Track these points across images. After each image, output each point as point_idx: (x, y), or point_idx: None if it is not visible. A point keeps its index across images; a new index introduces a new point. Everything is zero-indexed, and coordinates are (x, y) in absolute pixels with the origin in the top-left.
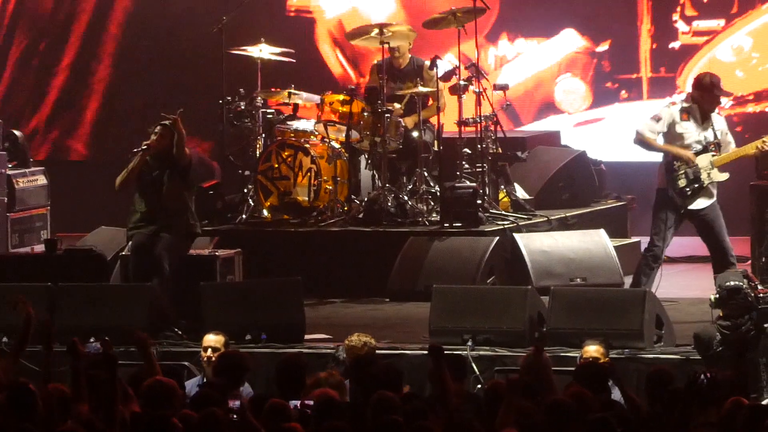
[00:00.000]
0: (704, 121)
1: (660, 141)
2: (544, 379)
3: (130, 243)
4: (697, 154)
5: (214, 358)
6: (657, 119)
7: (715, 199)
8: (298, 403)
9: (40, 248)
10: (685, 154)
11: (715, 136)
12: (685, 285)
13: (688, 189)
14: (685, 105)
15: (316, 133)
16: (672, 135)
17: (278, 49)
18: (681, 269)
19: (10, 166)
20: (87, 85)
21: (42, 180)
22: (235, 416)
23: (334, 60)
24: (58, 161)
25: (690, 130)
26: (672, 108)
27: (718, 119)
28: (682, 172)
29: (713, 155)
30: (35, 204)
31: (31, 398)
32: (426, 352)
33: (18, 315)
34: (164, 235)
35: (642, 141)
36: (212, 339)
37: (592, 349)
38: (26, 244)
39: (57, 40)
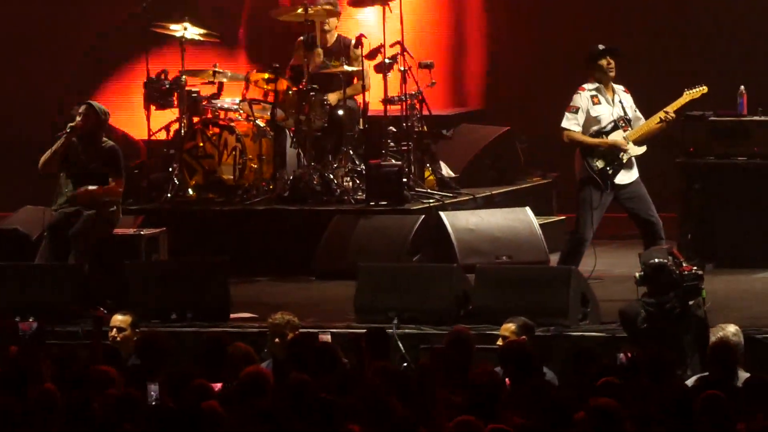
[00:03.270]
0: (612, 99)
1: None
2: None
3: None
4: (609, 132)
5: (119, 338)
6: (575, 110)
7: (637, 174)
8: None
9: None
10: (616, 142)
11: (625, 113)
12: (610, 263)
13: (608, 168)
14: (591, 88)
15: (241, 111)
16: (589, 121)
17: (202, 30)
18: (607, 247)
19: None
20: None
21: None
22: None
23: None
24: None
25: (603, 112)
26: (583, 94)
27: (624, 96)
28: (599, 152)
29: (624, 131)
30: None
31: None
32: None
33: None
34: (83, 215)
35: (572, 140)
36: (119, 319)
37: (504, 327)
38: None
39: None
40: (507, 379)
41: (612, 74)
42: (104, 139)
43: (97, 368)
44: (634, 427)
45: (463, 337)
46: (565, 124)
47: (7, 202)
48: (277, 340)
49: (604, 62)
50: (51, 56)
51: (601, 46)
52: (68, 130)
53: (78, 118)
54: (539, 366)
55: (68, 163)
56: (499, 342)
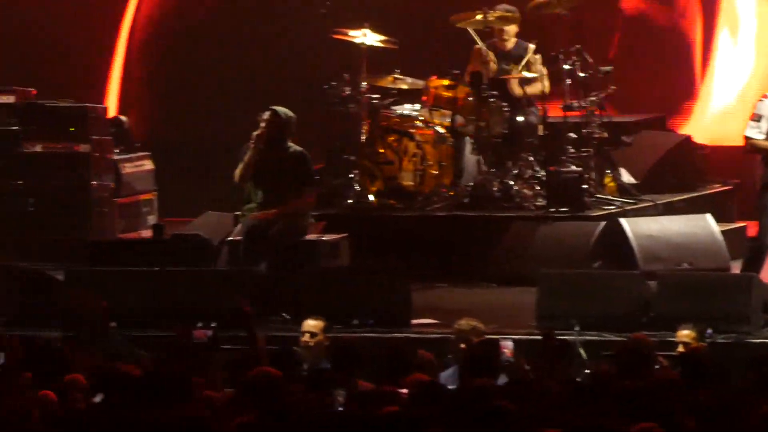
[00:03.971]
0: None
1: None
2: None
3: (239, 226)
4: None
5: (312, 343)
6: (758, 118)
7: None
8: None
9: (147, 233)
10: None
11: None
12: None
13: None
14: None
15: (421, 118)
16: None
17: (382, 37)
18: None
19: (116, 151)
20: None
21: (149, 165)
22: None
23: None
24: (164, 146)
25: None
26: (765, 101)
27: None
28: None
29: None
30: (142, 189)
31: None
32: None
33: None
34: (280, 223)
35: (755, 147)
36: (311, 324)
37: (684, 333)
38: (133, 229)
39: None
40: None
41: None
42: (290, 144)
43: (264, 372)
44: None
45: (642, 345)
46: (748, 132)
47: (188, 207)
48: (462, 345)
49: None
50: (238, 62)
51: None
52: (253, 140)
53: (261, 125)
54: (723, 372)
55: (257, 171)
56: (681, 349)
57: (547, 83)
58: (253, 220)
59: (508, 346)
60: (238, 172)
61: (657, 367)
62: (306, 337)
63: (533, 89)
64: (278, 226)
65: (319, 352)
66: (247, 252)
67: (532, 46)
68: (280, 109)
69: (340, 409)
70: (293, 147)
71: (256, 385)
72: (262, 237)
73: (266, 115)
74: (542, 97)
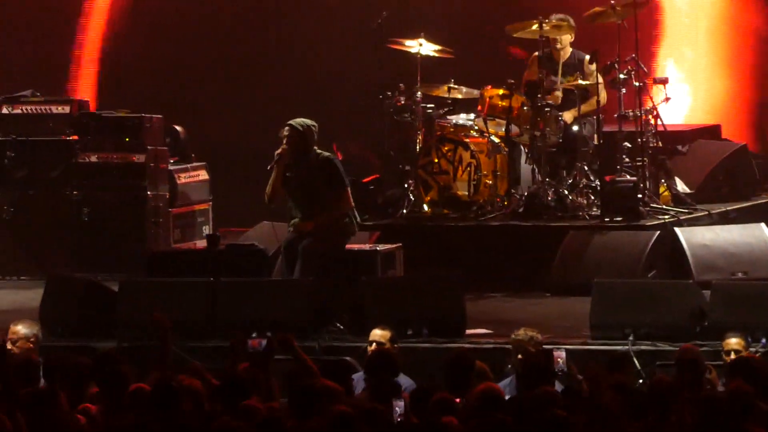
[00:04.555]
0: None
1: None
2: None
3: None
4: None
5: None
6: None
7: None
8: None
9: (202, 243)
10: None
11: None
12: None
13: None
14: None
15: (476, 127)
16: None
17: (437, 46)
18: None
19: (171, 161)
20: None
21: (204, 175)
22: None
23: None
24: (220, 157)
25: None
26: None
27: None
28: None
29: None
30: (197, 199)
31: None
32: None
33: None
34: (314, 232)
35: None
36: (378, 334)
37: (733, 342)
38: (188, 239)
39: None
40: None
41: None
42: (317, 151)
43: (324, 384)
44: None
45: (692, 356)
46: None
47: (243, 217)
48: (519, 356)
49: None
50: (294, 73)
51: None
52: (277, 158)
53: (284, 142)
54: None
55: (290, 187)
56: (731, 356)
57: (604, 94)
58: (292, 234)
59: (561, 355)
60: (267, 192)
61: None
62: (373, 347)
63: (588, 107)
64: (310, 239)
65: None
66: (285, 264)
67: (586, 57)
68: (297, 121)
69: (399, 419)
70: (321, 154)
71: (315, 395)
72: (294, 249)
73: (285, 131)
74: (598, 110)
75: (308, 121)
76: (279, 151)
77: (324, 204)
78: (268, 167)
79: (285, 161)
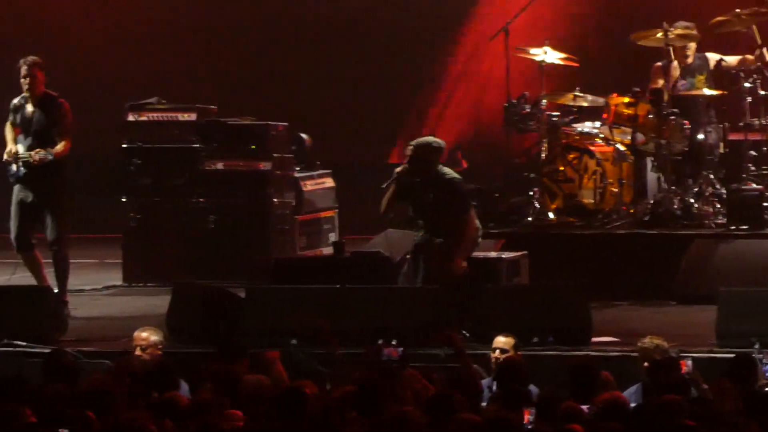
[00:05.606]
0: None
1: None
2: None
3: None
4: None
5: (502, 359)
6: None
7: None
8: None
9: (327, 251)
10: None
11: None
12: None
13: None
14: None
15: (601, 135)
16: None
17: (562, 54)
18: None
19: (297, 168)
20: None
21: (329, 182)
22: None
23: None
24: (345, 164)
25: None
26: None
27: None
28: None
29: None
30: (323, 206)
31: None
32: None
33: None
34: (438, 241)
35: None
36: (501, 340)
37: None
38: (314, 246)
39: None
40: None
41: None
42: (443, 170)
43: (451, 393)
44: None
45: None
46: None
47: (369, 225)
48: (646, 364)
49: None
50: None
51: None
52: (394, 176)
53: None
54: None
55: (413, 200)
56: None
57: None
58: (422, 237)
59: (687, 364)
60: (382, 205)
61: None
62: (497, 353)
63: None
64: (437, 245)
65: None
66: (415, 270)
67: (714, 57)
68: (421, 140)
69: (530, 427)
70: (446, 175)
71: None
72: (425, 255)
73: (408, 149)
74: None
75: (432, 140)
76: (398, 169)
77: (443, 223)
78: (383, 185)
79: (402, 179)
